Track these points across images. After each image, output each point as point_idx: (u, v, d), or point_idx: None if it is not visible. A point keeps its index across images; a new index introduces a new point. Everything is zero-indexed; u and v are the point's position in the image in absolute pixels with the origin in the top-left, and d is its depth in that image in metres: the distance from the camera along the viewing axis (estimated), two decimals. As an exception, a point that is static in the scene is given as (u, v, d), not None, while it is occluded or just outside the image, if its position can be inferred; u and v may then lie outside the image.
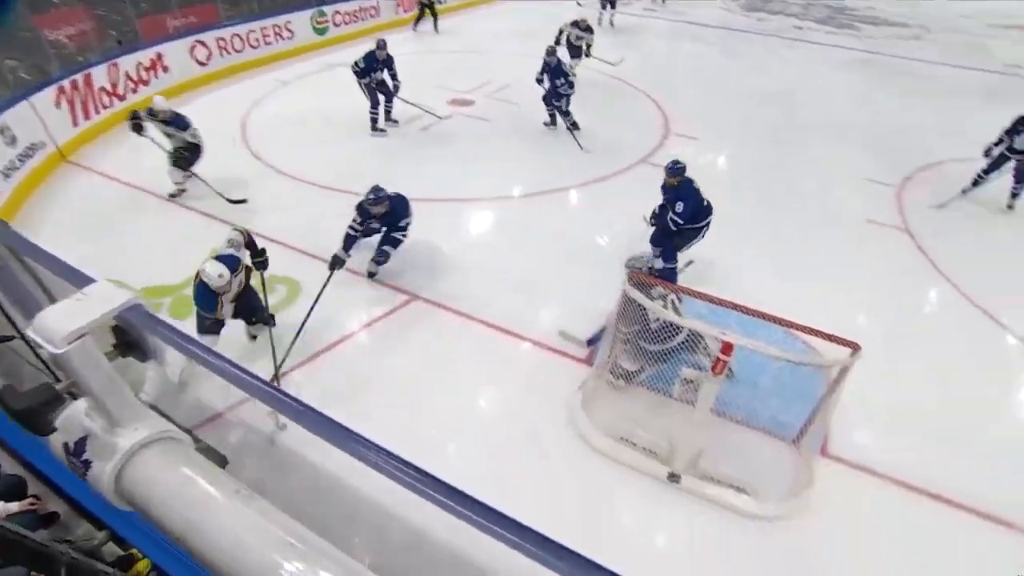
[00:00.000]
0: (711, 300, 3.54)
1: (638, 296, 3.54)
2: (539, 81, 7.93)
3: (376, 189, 4.82)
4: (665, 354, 3.87)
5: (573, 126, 7.91)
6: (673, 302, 3.90)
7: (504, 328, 4.78)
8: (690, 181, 5.02)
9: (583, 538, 3.28)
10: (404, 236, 5.10)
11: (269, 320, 4.23)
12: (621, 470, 3.72)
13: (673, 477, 3.62)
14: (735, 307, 3.43)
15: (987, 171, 6.83)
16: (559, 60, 7.78)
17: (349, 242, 4.85)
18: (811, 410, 3.64)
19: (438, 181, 6.92)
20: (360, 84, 7.78)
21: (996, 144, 6.70)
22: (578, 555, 1.16)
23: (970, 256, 6.13)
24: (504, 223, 6.36)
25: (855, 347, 3.18)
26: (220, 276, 3.72)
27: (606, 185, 7.07)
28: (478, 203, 6.61)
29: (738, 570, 3.27)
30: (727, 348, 3.07)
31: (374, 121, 8.06)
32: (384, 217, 4.91)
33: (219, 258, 3.84)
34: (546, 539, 1.18)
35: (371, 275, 5.23)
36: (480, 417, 4.18)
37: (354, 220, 4.88)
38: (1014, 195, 6.87)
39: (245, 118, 8.47)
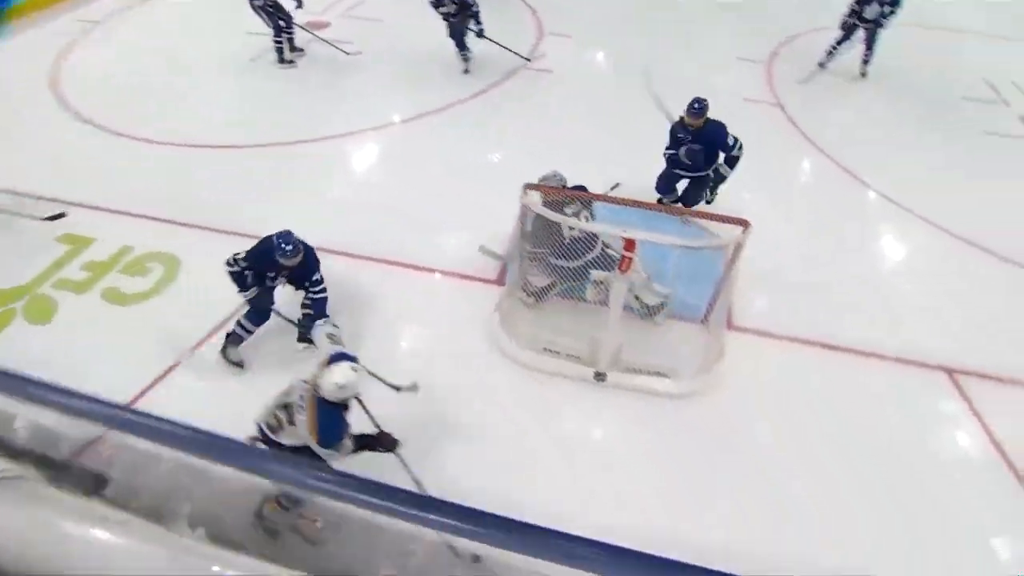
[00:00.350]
0: (610, 200, 3.52)
1: (551, 214, 3.47)
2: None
3: (287, 236, 3.57)
4: (578, 270, 3.87)
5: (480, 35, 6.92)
6: (587, 217, 3.85)
7: (410, 264, 4.58)
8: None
9: (526, 445, 3.49)
10: (325, 294, 3.83)
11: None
12: (550, 378, 3.81)
13: (599, 376, 3.77)
14: (635, 203, 3.44)
15: (839, 42, 7.19)
16: None
17: (242, 281, 3.69)
18: (713, 289, 3.83)
19: (308, 117, 6.31)
20: (253, 7, 6.73)
21: (848, 16, 7.01)
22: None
23: (833, 123, 6.61)
24: (389, 154, 5.97)
25: (745, 224, 3.32)
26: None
27: (489, 98, 6.76)
28: (357, 137, 6.10)
29: (669, 447, 3.51)
30: (630, 245, 3.10)
31: (280, 52, 7.08)
32: (294, 271, 3.72)
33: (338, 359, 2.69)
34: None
35: (306, 340, 3.92)
36: (405, 354, 4.08)
37: (240, 266, 3.61)
38: (865, 62, 7.32)
39: (55, 75, 6.97)
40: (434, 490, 2.79)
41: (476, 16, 6.68)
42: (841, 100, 7.17)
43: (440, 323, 4.21)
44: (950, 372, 3.99)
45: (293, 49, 7.21)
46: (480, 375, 3.86)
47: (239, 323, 3.78)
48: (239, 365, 3.78)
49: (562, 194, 3.58)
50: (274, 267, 3.64)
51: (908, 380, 3.95)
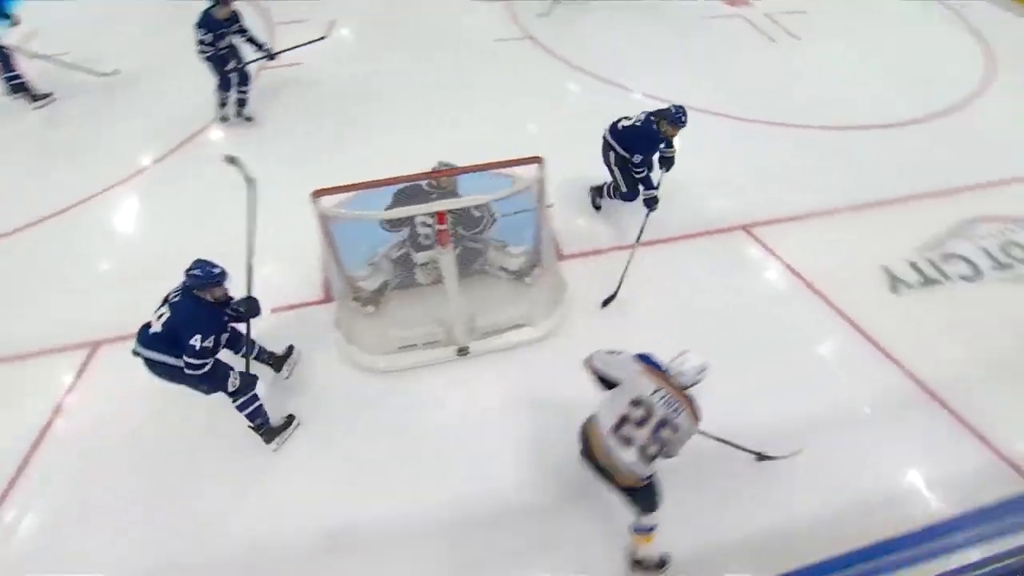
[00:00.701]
0: (406, 180, 3.31)
1: (352, 214, 3.22)
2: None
3: (202, 264, 2.95)
4: (402, 258, 3.66)
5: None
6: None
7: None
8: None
9: (419, 451, 3.33)
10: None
11: None
12: (414, 372, 3.65)
13: (462, 351, 3.68)
14: (429, 175, 3.29)
15: None
16: None
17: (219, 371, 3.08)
18: (535, 228, 3.89)
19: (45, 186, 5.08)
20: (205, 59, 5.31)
21: None
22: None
23: (587, 44, 7.00)
24: (147, 205, 5.05)
25: (538, 160, 3.37)
26: None
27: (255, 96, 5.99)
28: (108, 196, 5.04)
29: (549, 389, 3.54)
30: (441, 217, 2.98)
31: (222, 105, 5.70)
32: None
33: None
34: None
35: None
36: (267, 399, 3.56)
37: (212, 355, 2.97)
38: None
39: None
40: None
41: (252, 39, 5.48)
42: (586, 21, 7.60)
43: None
44: (745, 228, 4.60)
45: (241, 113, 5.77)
46: (346, 396, 3.57)
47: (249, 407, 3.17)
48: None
49: (354, 188, 3.29)
50: (222, 318, 3.03)
51: (717, 246, 4.48)
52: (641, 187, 4.19)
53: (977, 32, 7.67)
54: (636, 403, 2.48)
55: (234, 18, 5.26)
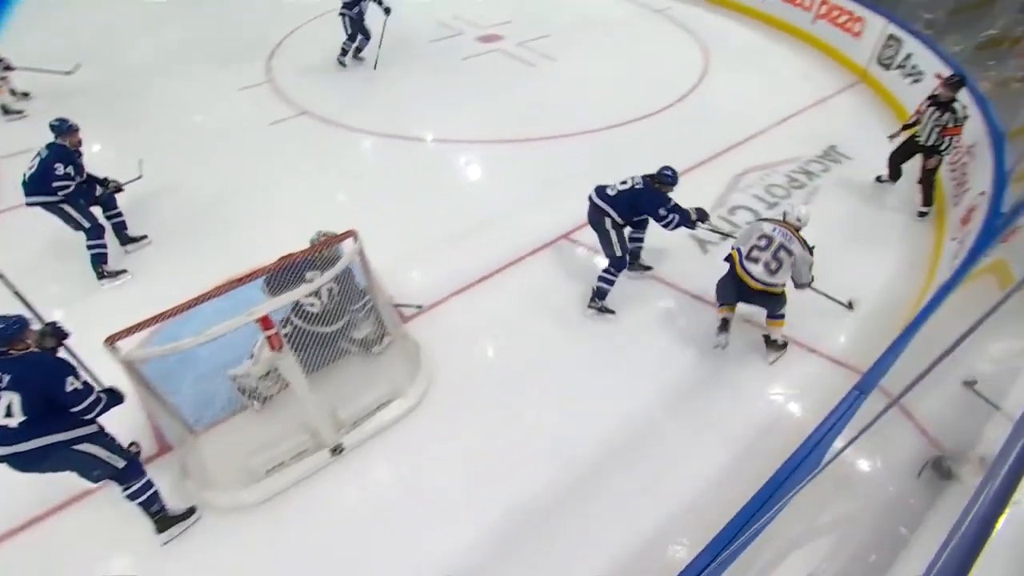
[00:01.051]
0: (210, 296, 2.96)
1: (162, 350, 2.80)
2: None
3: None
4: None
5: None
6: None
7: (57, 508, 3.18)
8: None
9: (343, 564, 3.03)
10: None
11: None
12: (296, 491, 3.29)
13: (336, 450, 3.40)
14: (239, 282, 2.98)
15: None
16: None
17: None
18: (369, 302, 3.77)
19: None
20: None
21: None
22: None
23: (363, 104, 7.12)
24: None
25: (352, 233, 3.28)
26: None
27: None
28: None
29: (441, 450, 3.47)
30: (266, 323, 2.74)
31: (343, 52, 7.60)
32: None
33: None
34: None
35: None
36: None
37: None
38: (343, 51, 7.77)
39: None
40: None
41: None
42: (348, 83, 7.61)
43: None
44: (566, 236, 4.94)
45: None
46: (225, 550, 3.08)
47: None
48: None
49: (153, 323, 2.85)
50: None
51: (547, 258, 4.75)
52: (679, 227, 4.20)
53: (686, 28, 9.19)
54: (760, 237, 3.75)
55: None
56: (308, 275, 3.30)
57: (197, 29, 9.33)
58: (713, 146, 6.09)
